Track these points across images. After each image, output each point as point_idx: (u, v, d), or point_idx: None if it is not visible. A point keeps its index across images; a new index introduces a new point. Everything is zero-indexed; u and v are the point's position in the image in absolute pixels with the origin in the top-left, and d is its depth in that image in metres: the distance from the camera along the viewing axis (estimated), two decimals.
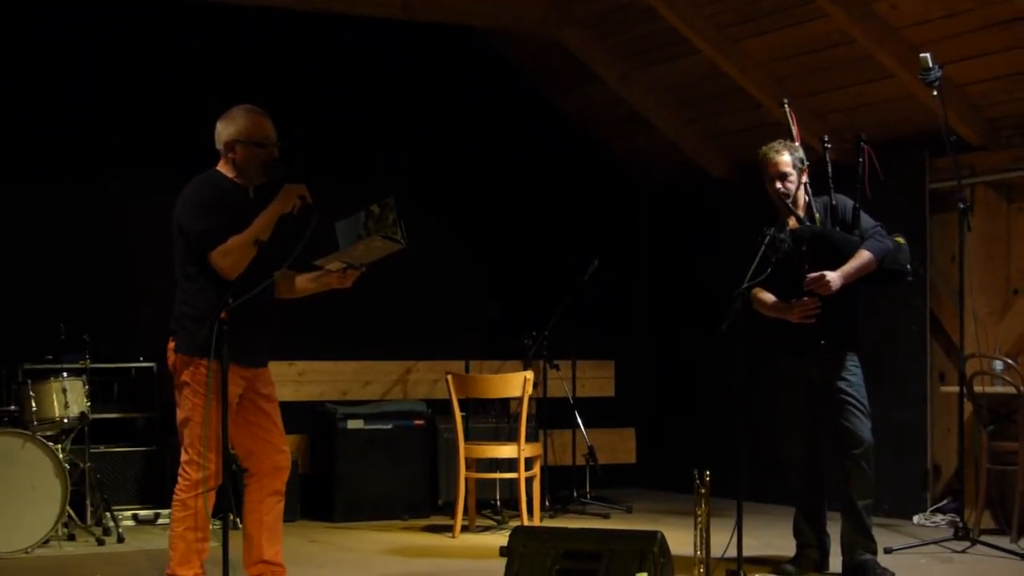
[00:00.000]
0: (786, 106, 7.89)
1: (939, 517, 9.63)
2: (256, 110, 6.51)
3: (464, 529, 9.43)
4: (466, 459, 9.39)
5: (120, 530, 9.00)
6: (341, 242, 6.47)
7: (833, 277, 7.30)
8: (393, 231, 6.25)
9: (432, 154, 11.45)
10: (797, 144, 7.62)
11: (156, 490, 9.76)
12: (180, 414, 6.44)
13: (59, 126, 10.20)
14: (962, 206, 8.56)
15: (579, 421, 10.64)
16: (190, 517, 6.39)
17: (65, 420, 8.99)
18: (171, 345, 6.46)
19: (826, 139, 7.79)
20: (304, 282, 6.73)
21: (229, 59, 10.57)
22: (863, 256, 7.38)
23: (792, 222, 7.48)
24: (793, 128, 7.76)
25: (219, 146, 6.50)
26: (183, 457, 6.42)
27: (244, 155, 6.44)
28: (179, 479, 6.42)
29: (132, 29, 10.40)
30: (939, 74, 8.25)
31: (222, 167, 6.50)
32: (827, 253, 7.40)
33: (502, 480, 9.99)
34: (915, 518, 9.70)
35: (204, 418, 6.28)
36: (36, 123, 10.14)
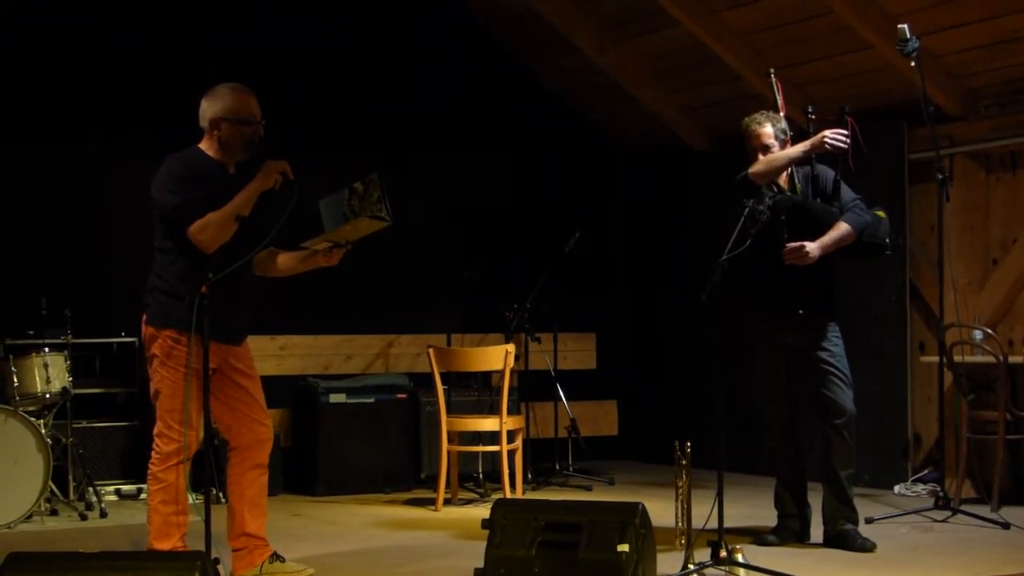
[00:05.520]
0: (772, 76, 7.88)
1: (920, 487, 9.67)
2: (241, 88, 6.53)
3: (446, 502, 9.45)
4: (448, 432, 9.40)
5: (103, 505, 9.02)
6: (325, 219, 6.50)
7: (812, 248, 7.33)
8: (379, 209, 6.28)
9: (411, 124, 11.42)
10: (781, 115, 7.62)
11: (138, 465, 9.74)
12: (152, 387, 6.49)
13: (36, 98, 10.16)
14: (941, 176, 8.57)
15: (561, 394, 10.66)
16: (163, 490, 6.42)
17: (47, 395, 8.99)
18: (144, 317, 6.50)
19: (810, 110, 7.80)
20: (290, 261, 6.76)
21: (208, 29, 10.52)
22: (842, 228, 7.41)
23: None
24: (779, 98, 7.75)
25: (203, 124, 6.52)
26: (155, 430, 6.47)
27: (229, 132, 6.46)
28: (152, 452, 6.46)
29: None
30: (917, 45, 8.25)
31: (204, 145, 6.52)
32: (806, 223, 7.42)
33: (484, 453, 10.01)
34: (896, 488, 9.74)
35: (176, 392, 6.35)
36: (12, 92, 10.09)
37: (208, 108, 6.50)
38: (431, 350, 9.44)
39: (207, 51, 10.28)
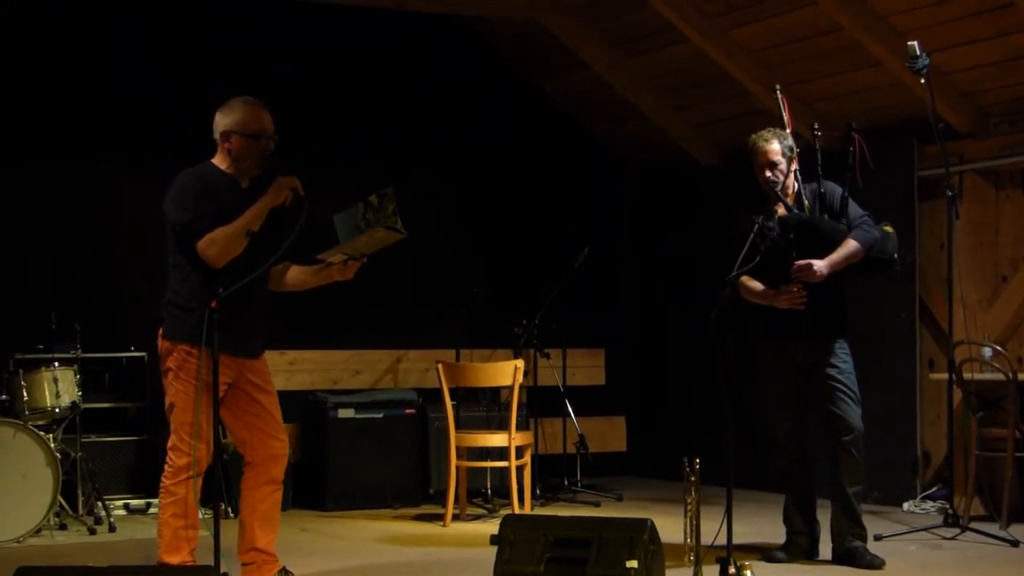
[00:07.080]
0: (778, 92, 7.87)
1: (929, 504, 9.65)
2: (254, 102, 6.54)
3: (455, 518, 9.44)
4: (457, 448, 9.40)
5: (111, 519, 9.02)
6: (340, 234, 6.51)
7: (820, 266, 7.32)
8: (394, 221, 6.31)
9: (420, 141, 11.42)
10: (787, 132, 7.61)
11: (147, 479, 9.75)
12: (166, 400, 6.51)
13: (43, 113, 10.18)
14: (950, 193, 8.58)
15: (570, 409, 10.66)
16: (175, 504, 6.43)
17: (56, 410, 9.00)
18: (160, 331, 6.52)
19: (816, 127, 7.80)
20: (305, 275, 6.76)
21: (220, 47, 10.54)
22: (850, 245, 7.41)
23: (780, 209, 7.49)
24: (785, 115, 7.75)
25: (216, 135, 6.53)
26: (168, 443, 6.48)
27: (238, 146, 6.47)
28: (165, 466, 6.47)
29: (123, 9, 10.37)
30: (927, 62, 8.26)
31: (217, 158, 6.54)
32: (815, 241, 7.42)
33: (493, 468, 9.99)
34: (905, 505, 9.72)
35: (189, 405, 6.36)
36: (19, 107, 10.11)
37: (220, 120, 6.52)
38: (440, 365, 9.45)
39: (209, 58, 10.34)
